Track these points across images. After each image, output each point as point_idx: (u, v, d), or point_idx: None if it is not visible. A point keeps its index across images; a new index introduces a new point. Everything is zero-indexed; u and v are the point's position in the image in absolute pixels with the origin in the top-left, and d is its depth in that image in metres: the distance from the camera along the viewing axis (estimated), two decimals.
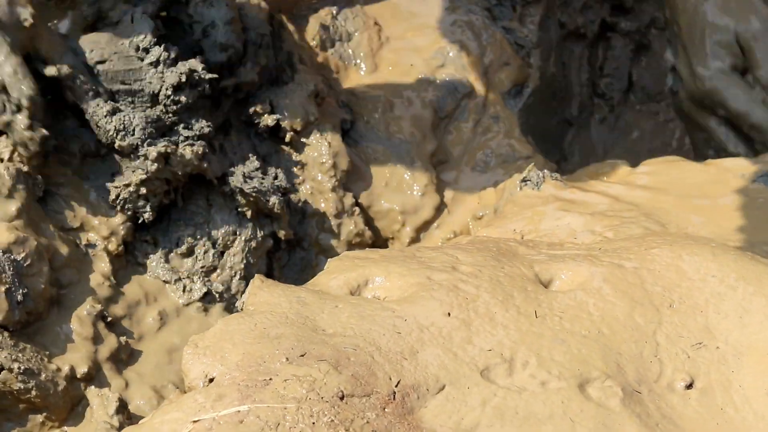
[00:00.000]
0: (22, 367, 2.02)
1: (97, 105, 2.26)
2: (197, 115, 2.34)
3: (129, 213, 2.29)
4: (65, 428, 2.06)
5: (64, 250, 2.18)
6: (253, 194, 2.34)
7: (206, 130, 2.33)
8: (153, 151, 2.26)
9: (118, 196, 2.27)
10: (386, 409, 1.62)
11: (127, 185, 2.28)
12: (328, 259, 2.14)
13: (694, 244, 2.05)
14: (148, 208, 2.29)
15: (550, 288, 1.97)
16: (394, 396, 1.65)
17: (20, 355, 2.03)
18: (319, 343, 1.72)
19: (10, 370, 2.01)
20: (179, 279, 2.31)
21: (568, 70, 3.30)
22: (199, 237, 2.35)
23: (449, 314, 1.82)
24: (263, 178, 2.38)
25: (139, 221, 2.30)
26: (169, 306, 2.29)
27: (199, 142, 2.31)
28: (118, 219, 2.27)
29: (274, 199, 2.37)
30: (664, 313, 1.88)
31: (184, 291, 2.31)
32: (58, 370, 2.07)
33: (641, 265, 1.98)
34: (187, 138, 2.31)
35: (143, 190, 2.28)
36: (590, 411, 1.67)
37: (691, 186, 2.52)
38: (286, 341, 1.73)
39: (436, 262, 2.01)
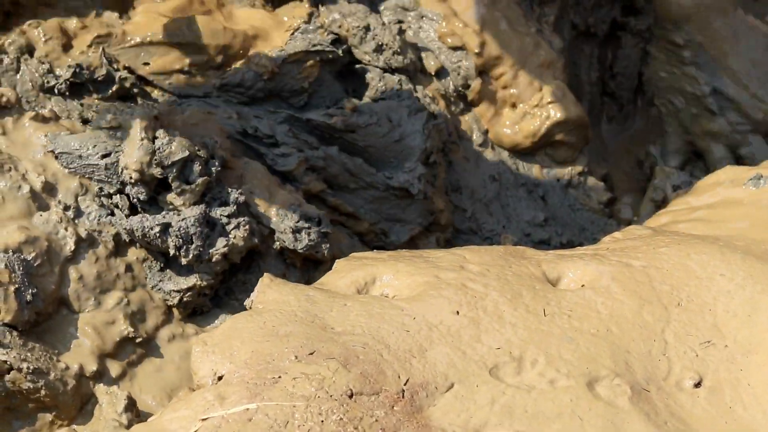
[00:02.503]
0: (31, 367, 2.02)
1: (143, 223, 2.19)
2: (224, 184, 2.29)
3: (189, 309, 2.26)
4: (74, 427, 2.05)
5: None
6: (306, 252, 2.30)
7: (242, 198, 2.26)
8: (216, 254, 2.20)
9: (181, 300, 2.23)
10: (395, 408, 1.62)
11: (190, 289, 2.23)
12: (336, 260, 2.14)
13: (702, 243, 2.04)
14: (207, 302, 2.27)
15: (558, 287, 1.96)
16: (403, 394, 1.65)
17: (29, 354, 2.03)
18: (328, 341, 1.72)
19: (19, 370, 2.01)
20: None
21: (579, 69, 3.30)
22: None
23: (458, 312, 1.82)
24: (309, 228, 2.31)
25: (197, 312, 2.29)
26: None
27: (242, 219, 2.24)
28: (177, 313, 2.25)
29: (323, 249, 2.33)
30: (672, 312, 1.88)
31: None
32: (67, 368, 2.07)
33: (649, 264, 1.98)
34: (229, 218, 2.24)
35: (207, 291, 2.25)
36: (599, 409, 1.67)
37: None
38: (295, 339, 1.73)
39: (443, 261, 2.01)
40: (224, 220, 2.21)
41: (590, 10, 3.32)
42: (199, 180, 2.21)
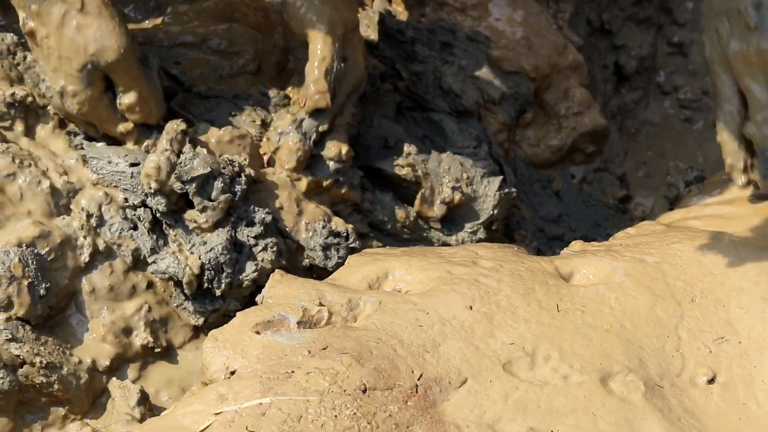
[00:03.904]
0: (44, 361, 2.02)
1: (170, 268, 2.16)
2: (251, 201, 2.22)
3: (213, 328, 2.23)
4: (86, 420, 2.06)
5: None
6: (335, 269, 2.25)
7: (268, 218, 2.19)
8: (246, 280, 2.15)
9: (206, 320, 2.19)
10: (409, 403, 1.62)
11: (216, 311, 2.20)
12: (349, 256, 2.14)
13: (716, 239, 2.04)
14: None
15: (570, 282, 1.96)
16: (417, 389, 1.65)
17: (42, 348, 2.03)
18: (342, 336, 1.72)
19: (32, 364, 2.02)
20: None
21: (593, 66, 3.29)
22: None
23: (471, 307, 1.82)
24: (338, 245, 2.24)
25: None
26: None
27: (269, 240, 2.18)
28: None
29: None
30: (686, 308, 1.88)
31: None
32: (80, 362, 2.07)
33: (663, 260, 1.97)
34: (256, 239, 2.18)
35: (233, 312, 2.18)
36: (612, 405, 1.67)
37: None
38: (308, 334, 1.73)
39: (456, 257, 2.01)
40: (251, 241, 2.17)
41: (605, 5, 3.31)
42: (222, 197, 2.15)
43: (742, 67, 2.37)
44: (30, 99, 2.21)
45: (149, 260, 2.16)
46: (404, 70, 2.60)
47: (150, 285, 2.18)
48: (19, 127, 2.21)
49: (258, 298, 2.18)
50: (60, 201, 2.15)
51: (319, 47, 2.25)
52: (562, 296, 1.87)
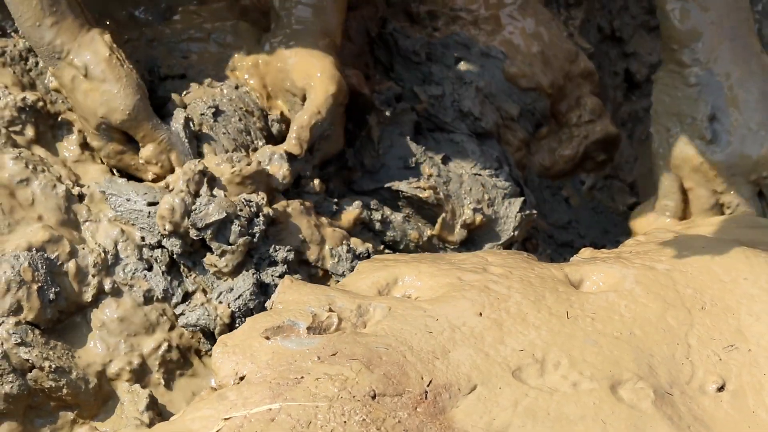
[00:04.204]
0: (53, 366, 2.02)
1: (201, 320, 2.15)
2: (272, 240, 2.20)
3: None
4: (94, 424, 2.06)
5: None
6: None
7: (291, 256, 2.18)
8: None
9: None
10: (418, 409, 1.62)
11: None
12: (359, 262, 2.14)
13: (726, 246, 2.04)
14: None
15: (580, 289, 1.96)
16: (426, 395, 1.65)
17: (51, 353, 2.04)
18: (351, 342, 1.72)
19: (41, 369, 2.02)
20: None
21: (603, 73, 3.28)
22: None
23: (481, 314, 1.82)
24: (357, 256, 2.25)
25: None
26: None
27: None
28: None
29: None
30: (695, 315, 1.87)
31: None
32: (89, 366, 2.08)
33: (673, 267, 1.97)
34: (281, 277, 2.15)
35: None
36: (622, 412, 1.67)
37: None
38: (317, 339, 1.73)
39: (466, 263, 2.01)
40: (276, 281, 2.15)
41: (616, 13, 3.29)
42: (240, 241, 2.12)
43: (689, 170, 2.42)
44: (41, 104, 2.22)
45: (177, 312, 2.16)
46: (422, 93, 2.59)
47: (172, 326, 2.17)
48: (29, 132, 2.21)
49: (268, 304, 2.18)
50: (72, 206, 2.15)
51: (321, 101, 2.28)
52: (572, 303, 1.87)
